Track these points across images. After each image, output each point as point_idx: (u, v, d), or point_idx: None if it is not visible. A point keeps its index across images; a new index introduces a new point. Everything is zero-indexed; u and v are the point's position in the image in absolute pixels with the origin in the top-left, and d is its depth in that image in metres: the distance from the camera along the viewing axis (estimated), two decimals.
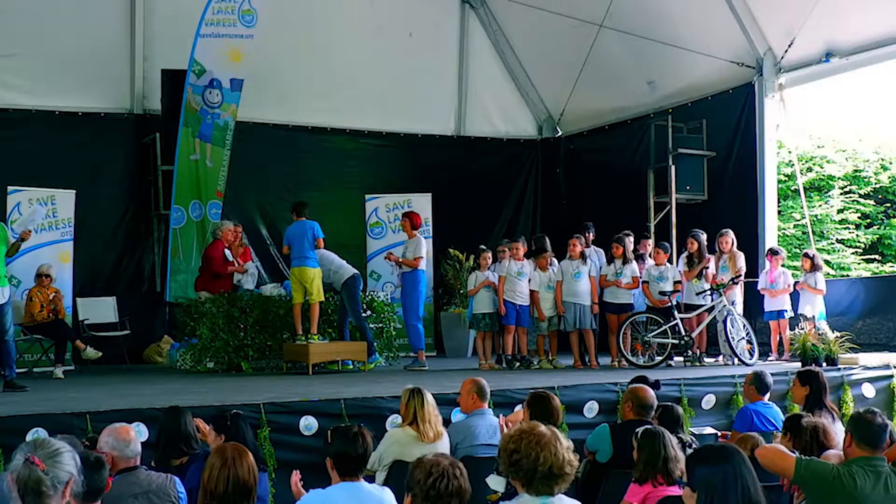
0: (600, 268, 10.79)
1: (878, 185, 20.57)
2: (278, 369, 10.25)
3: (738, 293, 10.72)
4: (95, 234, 12.75)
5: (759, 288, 11.01)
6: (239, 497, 3.62)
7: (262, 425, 6.27)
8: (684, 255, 10.97)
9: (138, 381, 9.30)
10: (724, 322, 10.16)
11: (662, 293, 10.31)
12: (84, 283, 12.20)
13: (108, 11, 13.12)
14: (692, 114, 13.06)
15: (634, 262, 10.76)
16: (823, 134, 21.07)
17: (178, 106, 12.19)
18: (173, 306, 12.37)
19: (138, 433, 4.70)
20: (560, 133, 15.87)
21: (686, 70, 13.15)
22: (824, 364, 9.17)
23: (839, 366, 9.31)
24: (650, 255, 10.97)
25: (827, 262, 17.43)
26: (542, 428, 3.35)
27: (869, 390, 9.13)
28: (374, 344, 10.42)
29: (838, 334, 9.69)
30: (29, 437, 5.33)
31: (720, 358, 10.61)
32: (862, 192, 20.40)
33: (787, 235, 19.13)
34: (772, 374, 7.28)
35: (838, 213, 20.15)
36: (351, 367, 10.36)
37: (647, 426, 4.80)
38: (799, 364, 9.31)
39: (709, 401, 8.32)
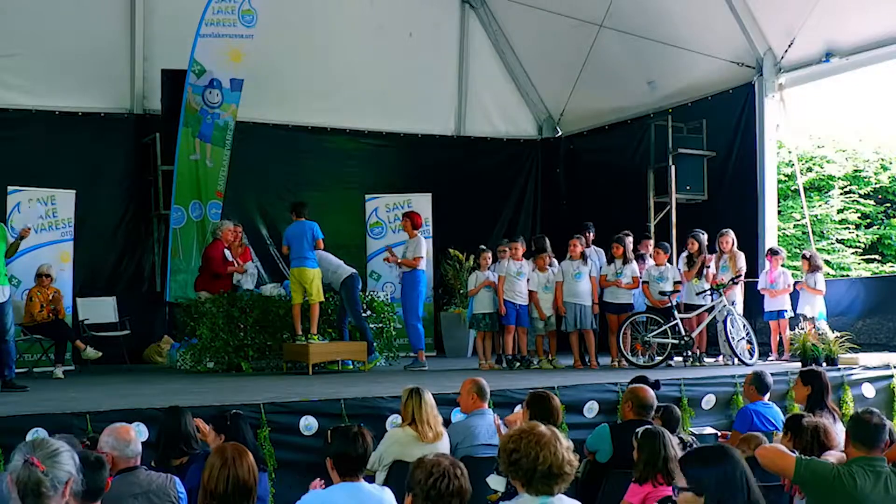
0: (600, 268, 10.79)
1: (878, 185, 20.56)
2: (278, 369, 10.25)
3: (738, 293, 10.72)
4: (95, 234, 12.74)
5: (759, 288, 11.00)
6: (239, 497, 3.61)
7: (262, 425, 6.27)
8: (684, 255, 10.97)
9: (138, 381, 9.29)
10: (724, 322, 10.16)
11: (662, 293, 10.30)
12: (84, 283, 12.19)
13: (108, 11, 13.12)
14: (692, 114, 13.05)
15: (634, 262, 10.76)
16: (823, 134, 21.06)
17: (178, 106, 12.19)
18: (173, 306, 12.37)
19: (138, 433, 4.69)
20: (560, 133, 15.86)
21: (686, 70, 13.15)
22: (824, 364, 9.16)
23: (839, 366, 9.30)
24: (650, 255, 10.97)
25: (827, 262, 17.41)
26: (542, 428, 3.35)
27: (869, 390, 9.13)
28: (374, 344, 10.43)
29: (838, 334, 9.68)
30: (29, 437, 5.31)
31: (720, 358, 10.61)
32: (862, 192, 20.39)
33: (787, 235, 19.12)
34: (772, 374, 7.28)
35: (838, 213, 20.14)
36: (351, 367, 10.37)
37: (647, 426, 4.81)
38: (799, 364, 9.29)
39: (709, 401, 8.31)
